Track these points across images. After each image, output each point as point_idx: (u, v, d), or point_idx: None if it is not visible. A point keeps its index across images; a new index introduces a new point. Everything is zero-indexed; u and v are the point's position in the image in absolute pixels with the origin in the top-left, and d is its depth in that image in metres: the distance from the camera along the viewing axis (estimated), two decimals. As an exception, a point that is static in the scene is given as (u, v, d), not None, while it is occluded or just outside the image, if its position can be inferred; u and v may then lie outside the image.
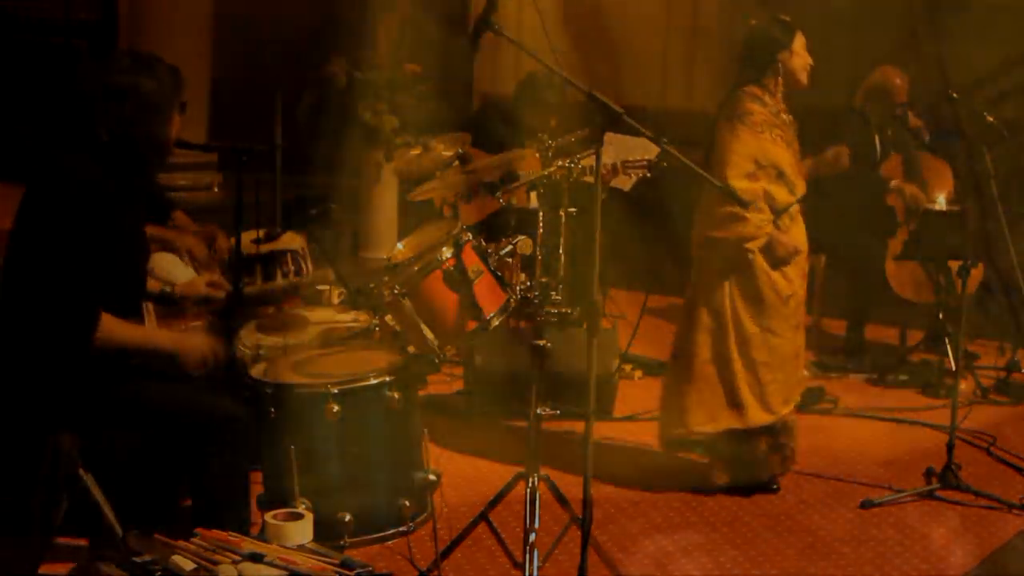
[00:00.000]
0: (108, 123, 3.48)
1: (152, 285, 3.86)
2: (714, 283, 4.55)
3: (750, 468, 4.65)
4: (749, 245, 4.46)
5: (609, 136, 4.92)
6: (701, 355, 4.57)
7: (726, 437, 4.60)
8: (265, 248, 5.11)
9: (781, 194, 4.50)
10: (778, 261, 4.52)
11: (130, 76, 3.49)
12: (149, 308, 3.90)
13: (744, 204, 4.25)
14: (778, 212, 4.50)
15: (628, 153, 5.57)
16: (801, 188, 4.56)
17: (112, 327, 3.43)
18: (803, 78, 4.59)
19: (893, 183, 6.24)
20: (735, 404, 4.56)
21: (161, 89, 3.53)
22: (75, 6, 9.21)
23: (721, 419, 4.57)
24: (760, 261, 4.50)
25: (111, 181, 3.49)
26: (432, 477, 4.14)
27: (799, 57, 4.57)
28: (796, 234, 4.59)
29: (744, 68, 4.60)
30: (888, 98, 6.35)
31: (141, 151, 3.57)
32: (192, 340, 3.65)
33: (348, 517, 3.96)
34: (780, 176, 4.49)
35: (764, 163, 4.46)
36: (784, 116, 4.57)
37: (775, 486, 4.70)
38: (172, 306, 3.97)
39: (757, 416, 4.57)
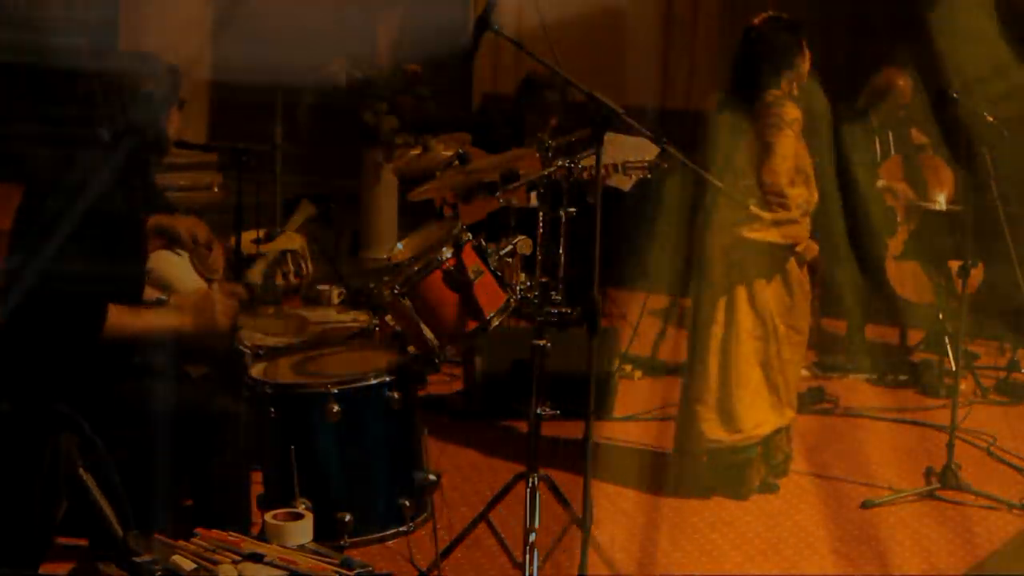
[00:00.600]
0: (108, 122, 3.48)
1: (147, 294, 3.85)
2: (757, 286, 4.52)
3: (781, 465, 4.69)
4: (798, 249, 4.48)
5: (609, 136, 4.92)
6: (747, 359, 4.54)
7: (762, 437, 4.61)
8: (265, 248, 5.11)
9: (811, 197, 4.51)
10: (805, 262, 4.54)
11: (129, 75, 3.50)
12: None
13: (746, 205, 4.24)
14: (810, 214, 4.52)
15: (628, 153, 5.56)
16: (816, 191, 4.56)
17: (117, 318, 3.42)
18: (805, 80, 4.59)
19: (880, 183, 6.23)
20: (777, 405, 4.57)
21: (159, 87, 3.54)
22: (75, 6, 9.22)
23: (770, 421, 4.57)
24: (793, 262, 4.52)
25: (111, 179, 3.48)
26: (432, 477, 4.13)
27: (807, 59, 4.56)
28: None
29: (761, 71, 4.48)
30: (892, 100, 6.34)
31: (141, 149, 3.57)
32: (201, 310, 3.60)
33: (348, 517, 3.95)
34: (808, 179, 4.50)
35: (801, 168, 4.47)
36: None
37: (775, 486, 4.70)
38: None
39: (789, 414, 4.63)
